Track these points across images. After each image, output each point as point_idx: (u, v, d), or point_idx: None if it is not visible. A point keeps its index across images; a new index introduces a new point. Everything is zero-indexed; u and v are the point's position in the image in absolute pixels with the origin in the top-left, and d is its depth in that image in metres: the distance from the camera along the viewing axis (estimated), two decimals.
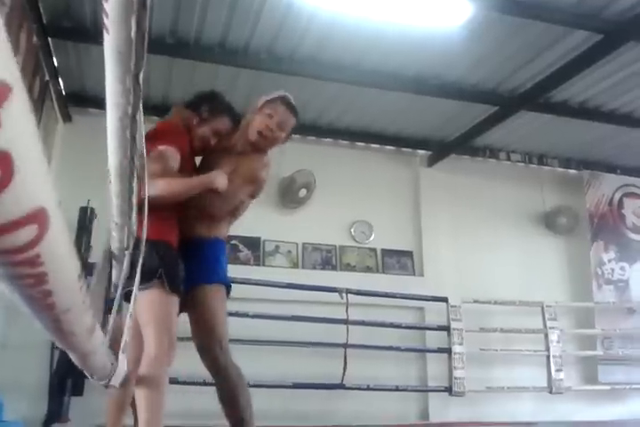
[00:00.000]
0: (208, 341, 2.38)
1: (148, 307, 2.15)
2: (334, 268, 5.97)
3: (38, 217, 0.41)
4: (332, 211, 6.09)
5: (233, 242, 5.48)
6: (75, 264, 0.64)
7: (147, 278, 2.03)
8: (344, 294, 5.25)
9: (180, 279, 2.30)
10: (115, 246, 1.58)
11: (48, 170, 0.43)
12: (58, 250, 0.52)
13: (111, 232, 1.43)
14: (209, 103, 2.67)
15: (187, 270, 2.37)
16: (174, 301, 2.27)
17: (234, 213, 2.69)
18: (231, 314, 4.91)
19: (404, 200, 6.50)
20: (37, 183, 0.39)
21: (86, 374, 1.95)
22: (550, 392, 5.76)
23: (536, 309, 6.03)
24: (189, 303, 2.40)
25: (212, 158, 2.66)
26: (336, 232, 6.11)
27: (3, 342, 4.60)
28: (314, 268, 5.88)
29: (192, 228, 2.50)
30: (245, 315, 4.79)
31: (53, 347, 4.52)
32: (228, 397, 2.39)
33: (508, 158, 6.91)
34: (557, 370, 5.80)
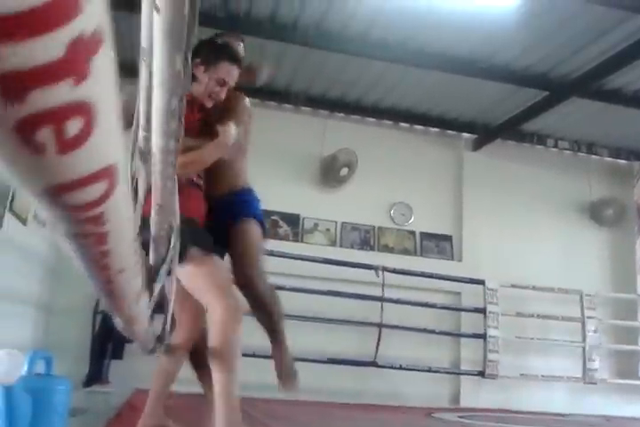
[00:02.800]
0: (249, 268, 2.36)
1: (192, 278, 2.09)
2: (372, 248, 5.96)
3: (109, 174, 0.40)
4: (372, 191, 6.07)
5: (273, 217, 5.52)
6: (133, 225, 0.62)
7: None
8: (380, 272, 5.25)
9: (207, 241, 2.19)
10: (156, 228, 1.56)
11: (121, 127, 0.41)
12: (121, 209, 0.50)
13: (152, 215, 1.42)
14: (203, 50, 2.31)
15: (223, 214, 2.37)
16: (214, 259, 2.18)
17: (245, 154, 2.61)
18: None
19: (446, 184, 6.43)
20: (113, 139, 0.38)
21: (129, 339, 1.96)
22: (584, 383, 5.68)
23: (575, 297, 5.93)
24: (231, 239, 2.38)
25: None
26: (375, 213, 6.09)
27: (49, 305, 4.74)
28: (351, 247, 5.88)
29: (219, 186, 2.44)
30: (282, 288, 4.83)
31: (96, 312, 4.66)
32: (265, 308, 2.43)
33: (556, 146, 6.75)
34: (591, 360, 5.70)
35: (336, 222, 5.93)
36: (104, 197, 0.40)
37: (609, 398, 5.98)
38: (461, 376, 5.76)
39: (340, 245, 5.88)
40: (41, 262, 4.45)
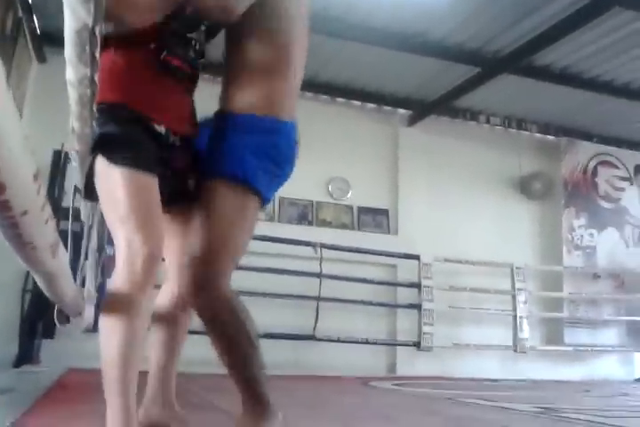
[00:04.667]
0: (213, 257, 1.51)
1: (101, 203, 1.50)
2: (310, 223, 5.99)
3: None
4: (310, 166, 6.03)
5: None
6: (30, 163, 0.60)
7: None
8: (318, 249, 5.30)
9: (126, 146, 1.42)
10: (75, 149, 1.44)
11: None
12: (15, 146, 0.49)
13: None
14: None
15: (216, 151, 1.56)
16: (127, 174, 1.39)
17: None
18: (259, 269, 4.98)
19: (382, 159, 6.50)
20: None
21: (57, 318, 1.83)
22: (515, 351, 5.95)
23: (506, 270, 6.17)
24: (202, 198, 1.56)
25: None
26: (313, 188, 6.10)
27: None
28: (290, 222, 5.89)
29: (235, 92, 1.59)
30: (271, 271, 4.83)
31: (24, 290, 4.51)
32: (230, 342, 1.58)
33: (488, 121, 6.92)
34: (522, 330, 5.97)
35: (274, 198, 5.91)
36: None
37: (537, 363, 6.28)
38: (397, 347, 5.92)
39: (279, 221, 5.87)
40: None
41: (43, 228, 0.78)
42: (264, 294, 5.13)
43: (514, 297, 6.07)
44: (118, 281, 1.35)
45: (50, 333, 4.45)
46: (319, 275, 5.30)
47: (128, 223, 1.35)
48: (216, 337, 1.55)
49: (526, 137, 7.12)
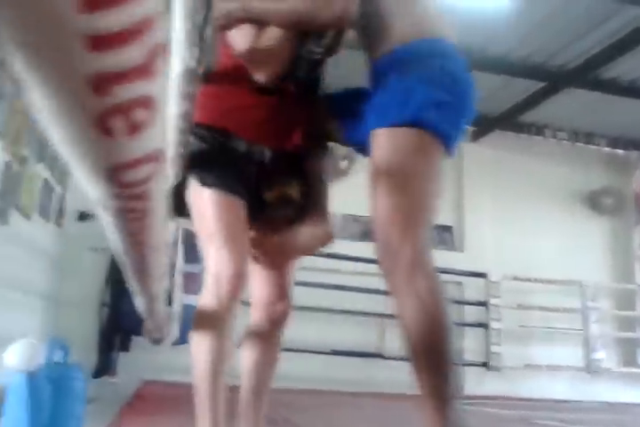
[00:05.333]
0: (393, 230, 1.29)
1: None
2: (373, 240, 6.01)
3: (157, 157, 0.44)
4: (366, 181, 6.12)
5: None
6: (165, 205, 0.68)
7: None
8: None
9: (213, 168, 1.48)
10: None
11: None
12: (160, 189, 0.55)
13: None
14: None
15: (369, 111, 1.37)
16: (217, 194, 1.46)
17: None
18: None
19: (446, 174, 6.43)
20: (163, 127, 0.43)
21: (136, 331, 1.92)
22: (588, 372, 5.77)
23: (576, 288, 6.01)
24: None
25: None
26: None
27: (56, 298, 4.81)
28: (352, 239, 5.93)
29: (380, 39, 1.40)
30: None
31: (102, 304, 4.72)
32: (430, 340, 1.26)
33: (554, 136, 6.80)
34: (595, 350, 5.78)
35: (336, 215, 5.97)
36: (150, 176, 0.46)
37: (610, 384, 6.06)
38: (465, 367, 5.83)
39: (343, 238, 5.92)
40: (46, 256, 4.51)
41: (162, 259, 0.87)
42: (330, 311, 5.18)
43: (584, 316, 5.91)
44: (206, 298, 1.41)
45: (125, 346, 4.65)
46: (385, 291, 5.30)
47: (215, 242, 1.41)
48: (412, 318, 1.26)
49: (595, 151, 6.96)
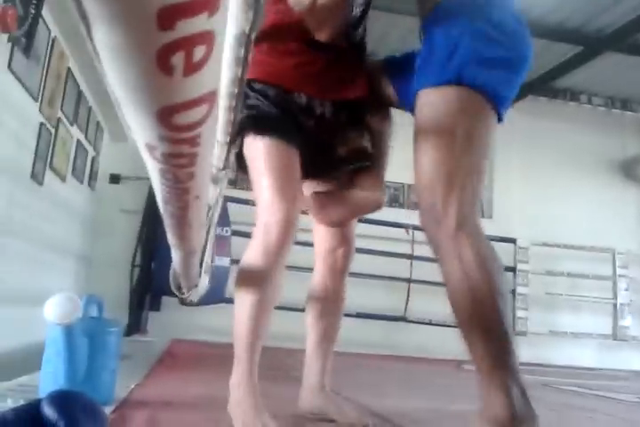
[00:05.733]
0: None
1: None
2: (401, 205, 6.01)
3: (211, 98, 0.42)
4: (401, 149, 6.06)
5: None
6: (212, 153, 0.66)
7: None
8: (410, 231, 5.31)
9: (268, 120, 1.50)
10: None
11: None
12: (211, 134, 0.52)
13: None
14: None
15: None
16: (271, 144, 1.48)
17: None
18: (297, 243, 5.01)
19: None
20: (219, 67, 0.41)
21: (174, 286, 1.93)
22: (614, 339, 5.75)
23: (606, 255, 5.94)
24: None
25: None
26: (405, 170, 6.06)
27: (90, 258, 4.92)
28: None
29: None
30: (311, 244, 4.92)
31: (133, 265, 4.83)
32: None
33: (590, 102, 6.62)
34: (623, 318, 5.75)
35: None
36: (203, 119, 0.44)
37: (637, 353, 6.04)
38: None
39: None
40: (80, 218, 4.60)
41: (203, 210, 0.87)
42: (356, 274, 5.20)
43: (615, 284, 5.85)
44: (253, 249, 1.43)
45: (156, 306, 4.76)
46: (410, 257, 5.33)
47: (267, 189, 1.42)
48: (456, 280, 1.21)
49: (630, 118, 6.77)
